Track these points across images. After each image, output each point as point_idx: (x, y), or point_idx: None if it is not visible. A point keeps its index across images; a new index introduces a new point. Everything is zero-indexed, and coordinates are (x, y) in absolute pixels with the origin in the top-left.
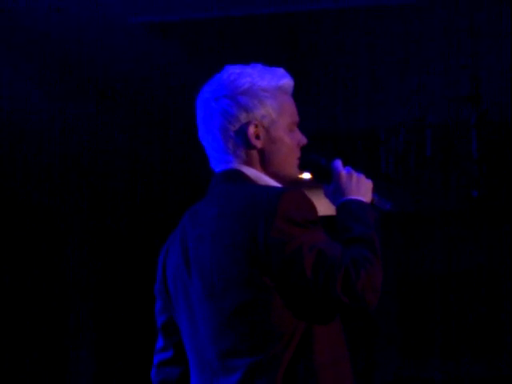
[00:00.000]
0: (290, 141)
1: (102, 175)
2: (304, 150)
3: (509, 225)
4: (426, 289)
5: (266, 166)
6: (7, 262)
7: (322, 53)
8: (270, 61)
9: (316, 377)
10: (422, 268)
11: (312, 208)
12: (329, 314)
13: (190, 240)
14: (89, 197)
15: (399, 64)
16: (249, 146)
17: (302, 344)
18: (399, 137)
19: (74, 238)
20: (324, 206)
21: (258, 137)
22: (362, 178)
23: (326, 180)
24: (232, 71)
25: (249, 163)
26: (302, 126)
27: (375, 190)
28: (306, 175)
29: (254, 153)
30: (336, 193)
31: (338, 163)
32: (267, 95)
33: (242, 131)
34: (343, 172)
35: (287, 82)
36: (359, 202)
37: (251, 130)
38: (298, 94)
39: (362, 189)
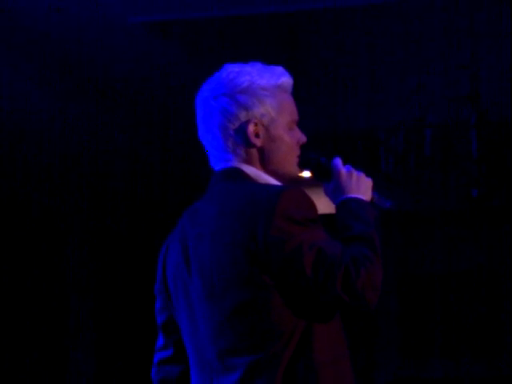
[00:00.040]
0: (289, 139)
1: (102, 175)
2: (304, 148)
3: (509, 225)
4: (426, 289)
5: (265, 165)
6: (7, 262)
7: (322, 53)
8: (270, 60)
9: (316, 375)
10: (421, 268)
11: (312, 206)
12: (329, 313)
13: (190, 239)
14: (89, 197)
15: (399, 64)
16: (248, 144)
17: (301, 342)
18: (399, 137)
19: (74, 238)
20: (324, 205)
21: (257, 135)
22: (362, 176)
23: (325, 178)
24: (231, 70)
25: (248, 161)
26: (302, 125)
27: (375, 189)
28: (306, 173)
29: (254, 151)
30: (336, 191)
31: (338, 161)
32: (266, 94)
33: (242, 130)
34: (343, 170)
35: (286, 80)
36: (359, 201)
37: (251, 128)
38: (297, 94)
39: (361, 187)
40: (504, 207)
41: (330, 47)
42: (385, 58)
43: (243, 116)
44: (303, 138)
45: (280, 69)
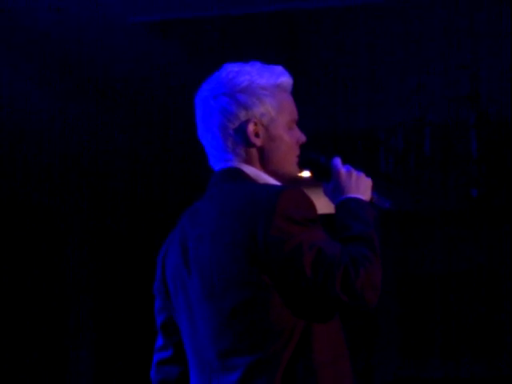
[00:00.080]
0: (289, 139)
1: (102, 175)
2: (303, 148)
3: (509, 225)
4: (426, 289)
5: (265, 164)
6: (7, 262)
7: (322, 53)
8: (270, 60)
9: (315, 375)
10: (422, 268)
11: (311, 206)
12: (328, 313)
13: (190, 239)
14: (89, 197)
15: (399, 64)
16: (248, 144)
17: (301, 342)
18: (399, 137)
19: (74, 238)
20: (323, 204)
21: (257, 135)
22: (362, 176)
23: (325, 178)
24: (231, 69)
25: (248, 161)
26: (302, 125)
27: (374, 189)
28: (306, 173)
29: (254, 151)
30: (335, 191)
31: (338, 161)
32: (266, 93)
33: (242, 129)
34: (342, 170)
35: (286, 79)
36: (358, 201)
37: (250, 127)
38: (297, 94)
39: (361, 187)
40: (504, 207)
41: (330, 47)
42: (385, 57)
43: (243, 115)
44: (303, 138)
45: (280, 68)
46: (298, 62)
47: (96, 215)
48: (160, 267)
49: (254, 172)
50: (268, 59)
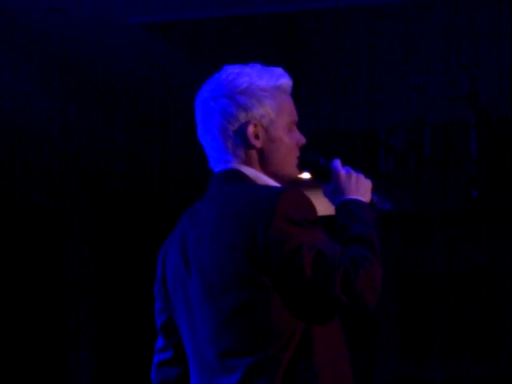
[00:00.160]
0: (288, 140)
1: (102, 175)
2: (303, 149)
3: (509, 225)
4: (426, 289)
5: (265, 166)
6: (7, 262)
7: (322, 53)
8: (270, 60)
9: (316, 376)
10: (421, 268)
11: (311, 208)
12: (328, 314)
13: (190, 240)
14: (89, 197)
15: (399, 64)
16: (248, 145)
17: (301, 343)
18: (399, 137)
19: (74, 238)
20: (323, 206)
21: (257, 136)
22: (361, 177)
23: (325, 180)
24: (230, 71)
25: (248, 163)
26: (302, 125)
27: (375, 190)
28: (306, 175)
29: (253, 152)
30: (335, 192)
31: (337, 163)
32: (266, 95)
33: (241, 131)
34: (342, 172)
35: (286, 81)
36: (358, 202)
37: (250, 129)
38: (297, 94)
39: (361, 188)
40: (504, 207)
41: (330, 47)
42: (385, 57)
43: (243, 117)
44: (302, 140)
45: (279, 70)
46: (297, 62)
47: (96, 215)
48: (160, 268)
49: (254, 173)
50: (268, 60)
